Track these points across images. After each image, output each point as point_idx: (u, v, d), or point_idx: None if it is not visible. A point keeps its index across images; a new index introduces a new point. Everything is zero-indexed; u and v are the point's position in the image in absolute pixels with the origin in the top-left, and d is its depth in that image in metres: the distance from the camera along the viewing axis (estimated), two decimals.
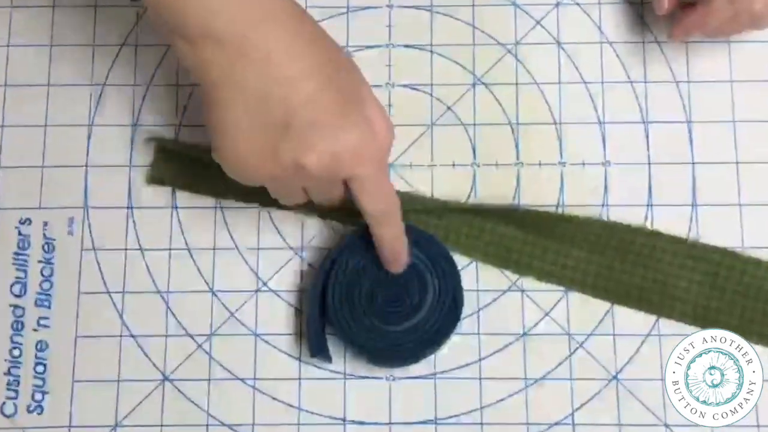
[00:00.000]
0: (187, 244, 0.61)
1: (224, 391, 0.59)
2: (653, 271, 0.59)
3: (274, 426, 0.58)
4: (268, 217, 0.61)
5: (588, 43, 0.63)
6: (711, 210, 0.60)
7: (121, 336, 0.59)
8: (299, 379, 0.59)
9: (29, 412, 0.58)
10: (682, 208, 0.60)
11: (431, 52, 0.63)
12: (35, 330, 0.59)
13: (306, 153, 0.49)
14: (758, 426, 0.57)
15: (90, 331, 0.59)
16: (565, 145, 0.61)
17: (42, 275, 0.60)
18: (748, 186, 0.60)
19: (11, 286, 0.60)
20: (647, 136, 0.61)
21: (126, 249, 0.60)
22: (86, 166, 0.61)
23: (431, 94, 0.62)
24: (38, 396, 0.58)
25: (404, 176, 0.61)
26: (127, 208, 0.61)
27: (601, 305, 0.59)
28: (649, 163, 0.61)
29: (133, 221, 0.61)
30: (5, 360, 0.59)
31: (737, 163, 0.61)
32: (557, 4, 0.63)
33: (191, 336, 0.59)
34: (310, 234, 0.61)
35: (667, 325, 0.59)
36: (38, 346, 0.59)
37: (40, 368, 0.59)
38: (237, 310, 0.60)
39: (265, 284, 0.60)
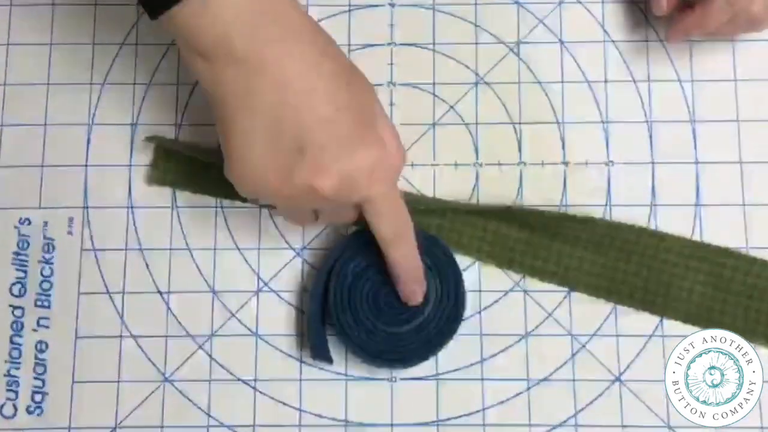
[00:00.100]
0: (187, 244, 0.60)
1: (225, 392, 0.58)
2: (657, 271, 0.59)
3: (275, 427, 0.58)
4: (269, 217, 0.61)
5: (591, 42, 0.63)
6: (715, 210, 0.60)
7: (121, 336, 0.59)
8: (300, 380, 0.58)
9: (29, 413, 0.58)
10: (685, 207, 0.60)
11: (433, 50, 0.63)
12: (35, 330, 0.59)
13: (320, 175, 0.48)
14: (762, 428, 0.57)
15: (90, 332, 0.59)
16: (568, 145, 0.61)
17: (42, 275, 0.60)
18: (753, 186, 0.60)
19: (11, 286, 0.60)
20: (651, 136, 0.61)
21: (126, 249, 0.60)
22: (86, 165, 0.61)
23: (433, 93, 0.62)
24: (38, 397, 0.58)
25: (406, 176, 0.61)
26: (127, 207, 0.61)
27: (604, 306, 0.59)
28: (653, 163, 0.61)
29: (133, 221, 0.61)
30: (4, 361, 0.59)
31: (741, 162, 0.61)
32: (560, 3, 0.63)
33: (192, 336, 0.59)
34: (311, 234, 0.60)
35: (671, 326, 0.58)
36: (38, 347, 0.59)
37: (39, 369, 0.59)
38: (238, 310, 0.59)
39: (266, 284, 0.60)
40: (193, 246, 0.60)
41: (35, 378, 0.58)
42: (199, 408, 0.58)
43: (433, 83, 0.62)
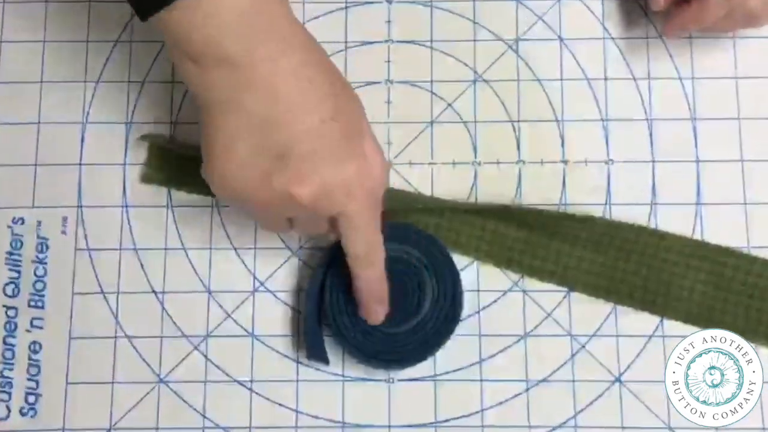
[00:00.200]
0: (182, 243, 0.60)
1: (220, 394, 0.58)
2: (657, 271, 0.58)
3: (271, 429, 0.58)
4: None
5: (590, 39, 0.62)
6: (716, 209, 0.60)
7: (115, 337, 0.59)
8: (297, 381, 0.58)
9: (22, 414, 0.58)
10: (686, 206, 0.60)
11: (431, 48, 0.62)
12: (28, 331, 0.59)
13: (300, 184, 0.48)
14: (764, 429, 0.57)
15: (84, 332, 0.59)
16: (567, 143, 0.61)
17: (35, 275, 0.59)
18: (754, 184, 0.60)
19: (4, 286, 0.59)
20: (651, 134, 0.61)
21: (120, 248, 0.60)
22: (80, 164, 0.61)
23: (431, 91, 0.62)
24: (31, 398, 0.58)
25: (404, 175, 0.61)
26: (122, 207, 0.60)
27: (603, 306, 0.59)
28: (653, 161, 0.60)
29: (128, 220, 0.60)
30: None
31: (742, 161, 0.60)
32: None
33: (187, 337, 0.59)
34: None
35: (672, 326, 0.58)
36: (31, 348, 0.59)
37: (33, 370, 0.58)
38: (234, 311, 0.59)
39: (262, 284, 0.59)
40: (188, 245, 0.60)
41: (29, 379, 0.58)
42: (195, 409, 0.58)
43: (431, 81, 0.62)
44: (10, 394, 0.58)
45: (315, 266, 0.59)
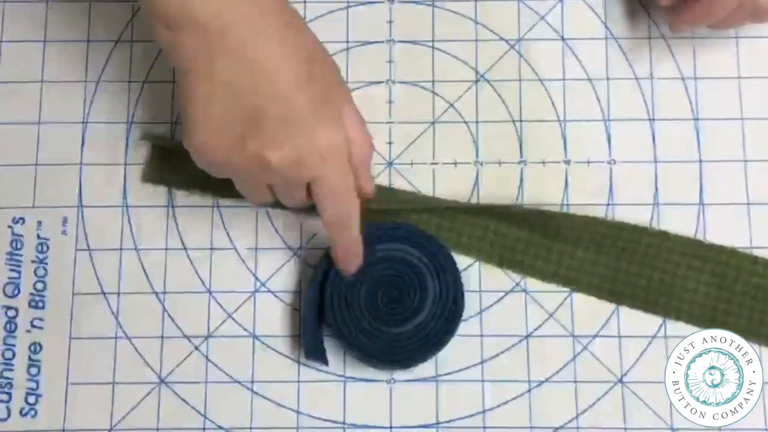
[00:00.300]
0: (183, 243, 0.60)
1: (221, 394, 0.58)
2: (660, 271, 0.58)
3: (272, 430, 0.58)
4: (267, 217, 0.60)
5: (593, 39, 0.62)
6: (719, 209, 0.59)
7: (116, 338, 0.59)
8: (298, 381, 0.58)
9: (22, 415, 0.58)
10: (689, 207, 0.60)
11: (433, 48, 0.62)
12: (28, 331, 0.59)
13: (272, 149, 0.49)
14: (767, 429, 0.57)
15: (84, 333, 0.59)
16: (569, 143, 0.61)
17: (35, 275, 0.59)
18: (757, 184, 0.60)
19: (4, 286, 0.59)
20: (653, 134, 0.61)
21: (121, 249, 0.60)
22: (80, 164, 0.61)
23: (433, 91, 0.62)
24: (32, 399, 0.58)
25: (405, 175, 0.61)
26: (123, 207, 0.60)
27: (606, 306, 0.59)
28: (656, 162, 0.60)
29: (129, 220, 0.60)
30: None
31: (745, 161, 0.60)
32: None
33: (188, 338, 0.59)
34: (308, 234, 0.60)
35: (674, 327, 0.58)
36: (32, 348, 0.58)
37: (33, 370, 0.58)
38: (234, 311, 0.59)
39: (263, 285, 0.59)
40: (189, 246, 0.60)
41: (29, 380, 0.58)
42: (196, 410, 0.58)
43: (433, 81, 0.62)
44: (10, 394, 0.58)
45: (315, 266, 0.59)
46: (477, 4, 0.63)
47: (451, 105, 0.61)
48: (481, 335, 0.58)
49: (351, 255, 0.56)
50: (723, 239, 0.59)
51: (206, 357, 0.58)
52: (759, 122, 0.60)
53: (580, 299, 0.59)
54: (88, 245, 0.60)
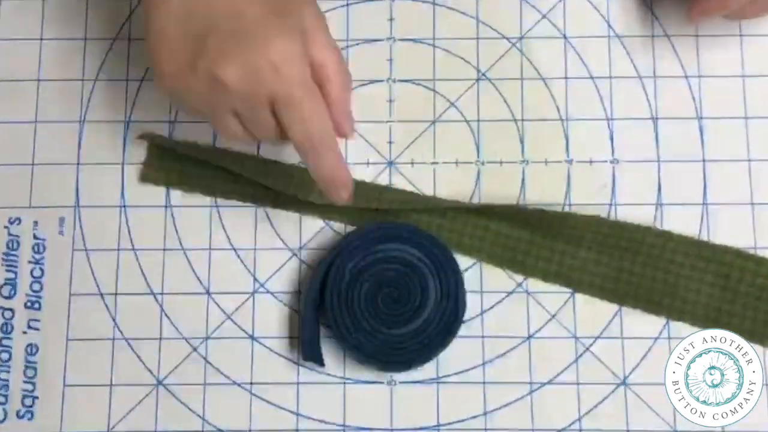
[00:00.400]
0: (181, 244, 0.60)
1: (220, 396, 0.58)
2: (663, 272, 0.58)
3: None
4: (266, 217, 0.60)
5: (595, 37, 0.62)
6: (722, 209, 0.59)
7: (113, 339, 0.58)
8: (297, 383, 0.58)
9: (19, 417, 0.57)
10: (692, 207, 0.59)
11: (434, 46, 0.62)
12: (25, 333, 0.58)
13: (222, 65, 0.47)
14: None
15: (81, 334, 0.59)
16: (571, 143, 0.60)
17: (32, 276, 0.59)
18: (761, 184, 0.60)
19: (0, 287, 0.59)
20: (656, 133, 0.60)
21: (118, 249, 0.60)
22: (78, 163, 0.61)
23: (434, 90, 0.61)
24: (28, 401, 0.58)
25: (406, 174, 0.60)
26: (120, 207, 0.60)
27: (608, 307, 0.58)
28: (659, 161, 0.60)
29: (126, 220, 0.60)
30: None
31: (749, 160, 0.60)
32: None
33: (186, 339, 0.58)
34: (308, 234, 0.60)
35: (678, 328, 0.58)
36: (28, 350, 0.58)
37: (30, 372, 0.58)
38: (233, 312, 0.59)
39: (262, 286, 0.59)
40: (187, 246, 0.60)
41: (25, 381, 0.58)
42: (194, 412, 0.57)
43: (434, 79, 0.61)
44: (6, 396, 0.58)
45: (315, 266, 0.58)
46: (478, 1, 0.62)
47: (452, 104, 0.61)
48: (483, 336, 0.58)
49: (336, 181, 0.52)
50: (727, 240, 0.59)
51: (205, 358, 0.58)
52: (763, 121, 0.60)
53: (583, 300, 0.58)
54: (85, 245, 0.60)
